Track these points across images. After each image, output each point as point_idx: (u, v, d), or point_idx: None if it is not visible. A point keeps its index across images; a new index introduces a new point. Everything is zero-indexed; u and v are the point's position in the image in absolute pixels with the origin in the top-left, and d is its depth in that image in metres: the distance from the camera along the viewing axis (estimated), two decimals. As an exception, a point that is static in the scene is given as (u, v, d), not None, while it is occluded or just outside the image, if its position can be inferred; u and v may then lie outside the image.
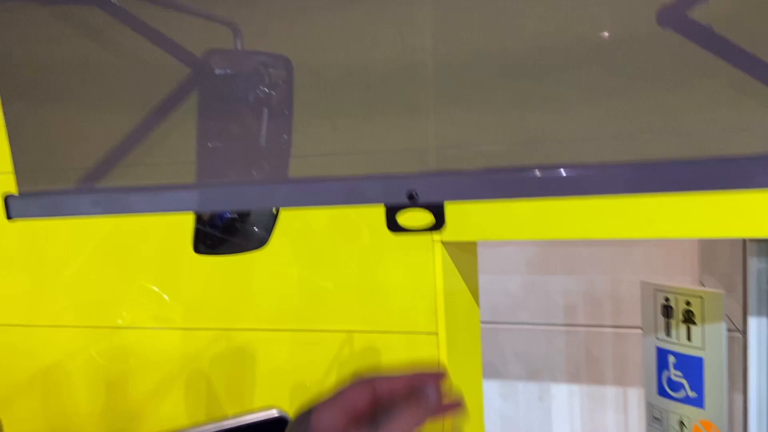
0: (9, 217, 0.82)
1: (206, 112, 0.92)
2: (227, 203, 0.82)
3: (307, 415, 0.55)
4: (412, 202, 0.71)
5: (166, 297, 1.72)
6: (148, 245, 1.71)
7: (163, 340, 1.76)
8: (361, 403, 0.56)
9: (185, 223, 1.31)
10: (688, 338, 1.75)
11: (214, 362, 1.75)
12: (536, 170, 0.66)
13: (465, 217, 1.63)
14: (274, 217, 1.24)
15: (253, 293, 1.69)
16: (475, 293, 1.87)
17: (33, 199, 0.83)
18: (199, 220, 1.33)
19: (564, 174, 0.65)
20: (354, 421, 0.54)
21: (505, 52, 0.66)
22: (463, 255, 1.78)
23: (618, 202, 1.50)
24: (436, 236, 1.64)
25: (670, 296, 1.79)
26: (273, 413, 1.12)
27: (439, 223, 0.73)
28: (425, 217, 0.73)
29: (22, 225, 1.80)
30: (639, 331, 1.86)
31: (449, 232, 1.64)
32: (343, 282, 1.69)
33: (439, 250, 1.65)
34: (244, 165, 0.93)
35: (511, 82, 0.67)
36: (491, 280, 2.11)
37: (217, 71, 0.92)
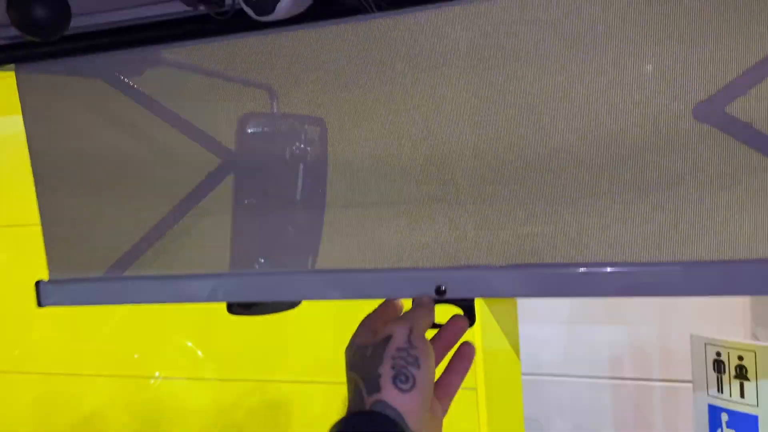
0: (40, 304, 0.84)
1: (243, 174, 0.93)
2: (256, 293, 0.81)
3: (351, 338, 0.69)
4: (441, 296, 0.69)
5: (200, 353, 1.73)
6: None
7: (198, 391, 1.76)
8: (392, 313, 0.70)
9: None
10: (741, 395, 1.67)
11: (249, 414, 1.74)
12: (579, 267, 0.63)
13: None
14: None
15: (288, 346, 1.68)
16: (515, 345, 1.83)
17: (62, 287, 0.84)
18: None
19: (604, 271, 0.62)
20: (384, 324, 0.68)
21: (537, 148, 0.64)
22: (503, 305, 1.74)
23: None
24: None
25: (721, 350, 1.72)
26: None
27: (469, 320, 0.70)
28: (455, 313, 0.71)
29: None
30: (690, 385, 1.78)
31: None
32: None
33: (477, 302, 1.61)
34: (281, 221, 0.93)
35: (543, 178, 0.65)
36: (533, 331, 2.05)
37: (254, 130, 0.93)
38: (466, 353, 0.72)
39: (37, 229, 1.89)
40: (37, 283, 0.85)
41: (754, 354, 1.64)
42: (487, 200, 0.68)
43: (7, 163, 1.87)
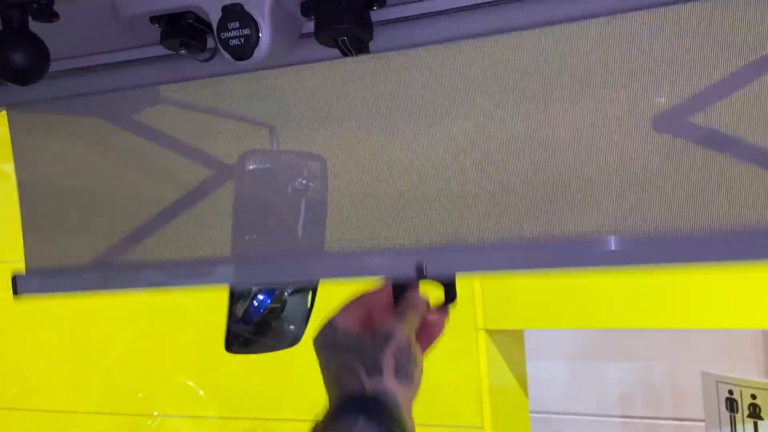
0: (15, 293, 0.82)
1: (243, 207, 0.93)
2: (244, 277, 0.79)
3: (331, 318, 0.70)
4: (421, 275, 0.69)
5: (201, 392, 1.71)
6: (185, 335, 1.72)
7: (200, 430, 1.74)
8: (381, 302, 0.70)
9: (223, 316, 1.29)
10: (756, 435, 1.64)
11: (251, 453, 1.72)
12: (554, 241, 0.64)
13: (509, 304, 1.58)
14: (308, 313, 1.22)
15: (290, 384, 1.66)
16: (523, 383, 1.79)
17: (39, 276, 0.82)
18: (232, 317, 1.32)
19: (582, 244, 0.62)
20: (374, 314, 0.69)
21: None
22: (509, 343, 1.72)
23: (674, 290, 1.43)
24: (480, 323, 1.59)
25: (734, 388, 1.69)
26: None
27: (449, 298, 0.70)
28: (436, 292, 0.70)
29: (65, 315, 1.84)
30: (702, 424, 1.75)
31: (493, 320, 1.59)
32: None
33: (483, 338, 1.59)
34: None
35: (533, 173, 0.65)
36: (540, 367, 2.02)
37: (256, 166, 0.93)
38: (435, 322, 0.73)
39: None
40: (14, 277, 0.83)
41: (767, 392, 1.61)
42: (471, 180, 0.67)
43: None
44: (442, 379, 1.59)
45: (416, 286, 0.71)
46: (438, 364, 1.58)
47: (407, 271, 0.69)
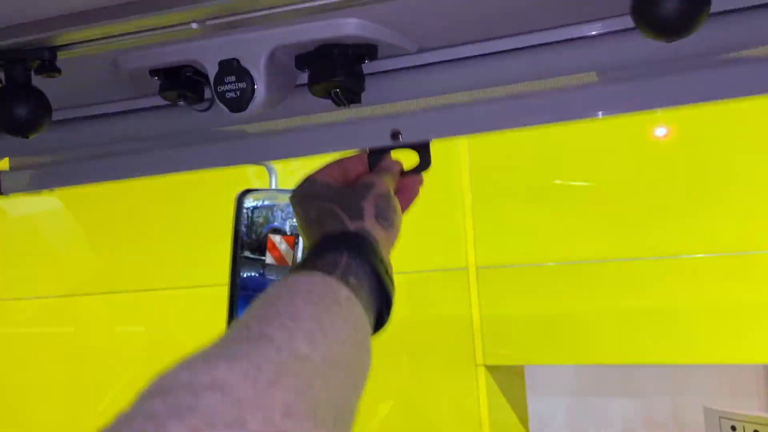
0: (1, 193, 0.79)
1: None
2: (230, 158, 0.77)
3: (309, 175, 0.70)
4: (396, 142, 0.69)
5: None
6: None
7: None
8: (357, 167, 0.71)
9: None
10: (760, 472, 1.61)
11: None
12: (532, 95, 0.63)
13: (510, 339, 1.58)
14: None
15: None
16: (524, 419, 1.78)
17: (23, 173, 0.79)
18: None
19: (561, 95, 0.62)
20: (350, 175, 0.71)
21: None
22: (510, 379, 1.71)
23: (676, 325, 1.43)
24: (480, 360, 1.59)
25: (736, 424, 1.67)
26: None
27: (424, 164, 0.70)
28: (410, 158, 0.71)
29: (63, 349, 1.84)
30: (706, 461, 1.73)
31: (493, 356, 1.59)
32: (383, 412, 1.62)
33: (483, 375, 1.59)
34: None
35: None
36: (541, 403, 2.00)
37: (252, 205, 0.94)
38: (409, 185, 0.74)
39: (37, 302, 1.89)
40: None
41: (770, 428, 1.59)
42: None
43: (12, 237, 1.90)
44: (442, 415, 1.59)
45: (389, 153, 0.72)
46: (438, 400, 1.58)
47: (382, 138, 0.69)
